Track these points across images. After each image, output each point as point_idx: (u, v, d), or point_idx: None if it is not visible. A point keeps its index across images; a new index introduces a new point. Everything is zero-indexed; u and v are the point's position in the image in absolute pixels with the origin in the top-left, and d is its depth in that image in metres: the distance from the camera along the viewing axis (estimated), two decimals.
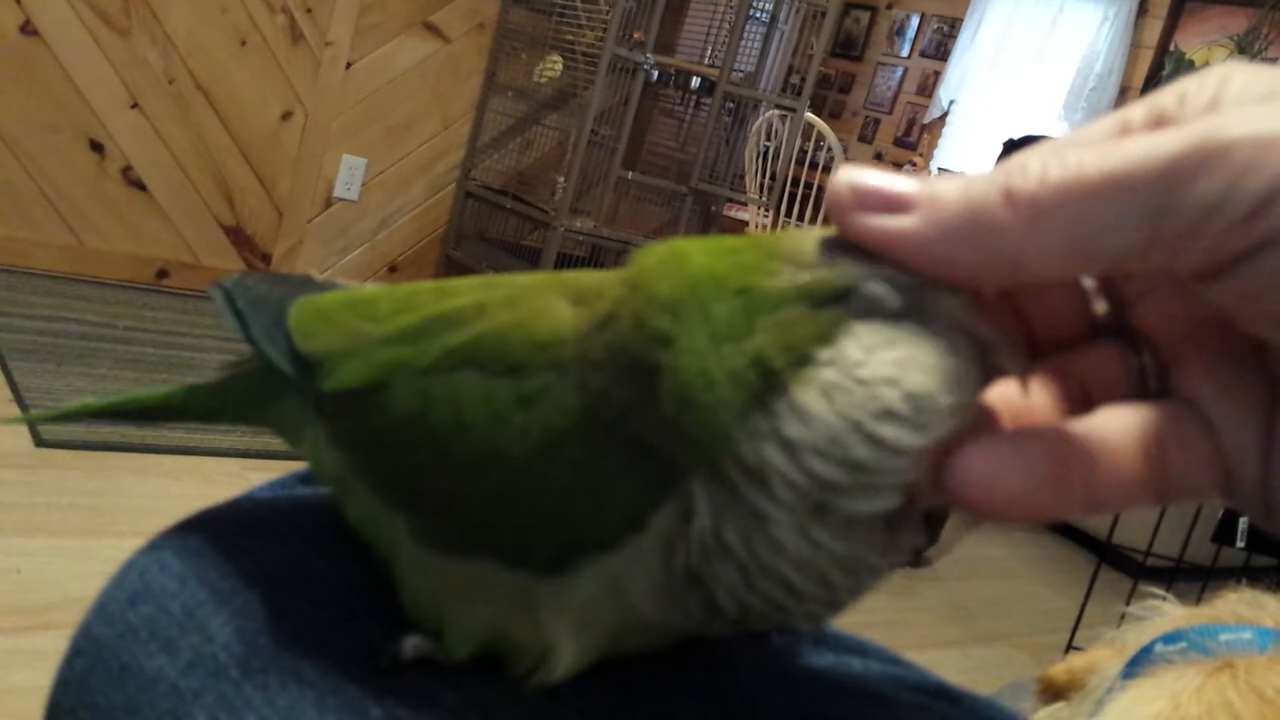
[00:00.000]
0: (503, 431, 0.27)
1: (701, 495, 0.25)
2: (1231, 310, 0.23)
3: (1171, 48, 4.60)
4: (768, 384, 0.24)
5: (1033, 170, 0.22)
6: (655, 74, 3.08)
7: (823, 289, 0.24)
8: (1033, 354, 0.27)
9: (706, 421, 0.24)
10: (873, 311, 0.24)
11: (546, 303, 0.28)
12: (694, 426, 0.24)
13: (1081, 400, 0.26)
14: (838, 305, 0.24)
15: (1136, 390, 0.26)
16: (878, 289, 0.24)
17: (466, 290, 0.31)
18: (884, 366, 0.24)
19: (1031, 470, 0.23)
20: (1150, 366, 0.26)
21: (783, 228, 3.27)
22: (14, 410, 1.97)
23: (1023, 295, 0.27)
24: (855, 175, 0.24)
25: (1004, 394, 0.26)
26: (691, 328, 0.24)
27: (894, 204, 0.23)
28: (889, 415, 0.23)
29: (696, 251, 0.25)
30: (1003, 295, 0.27)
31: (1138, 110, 0.24)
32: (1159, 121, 0.23)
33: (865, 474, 0.24)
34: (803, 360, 0.24)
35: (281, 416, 0.36)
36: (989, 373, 0.24)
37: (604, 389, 0.26)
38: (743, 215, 4.01)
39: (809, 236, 0.25)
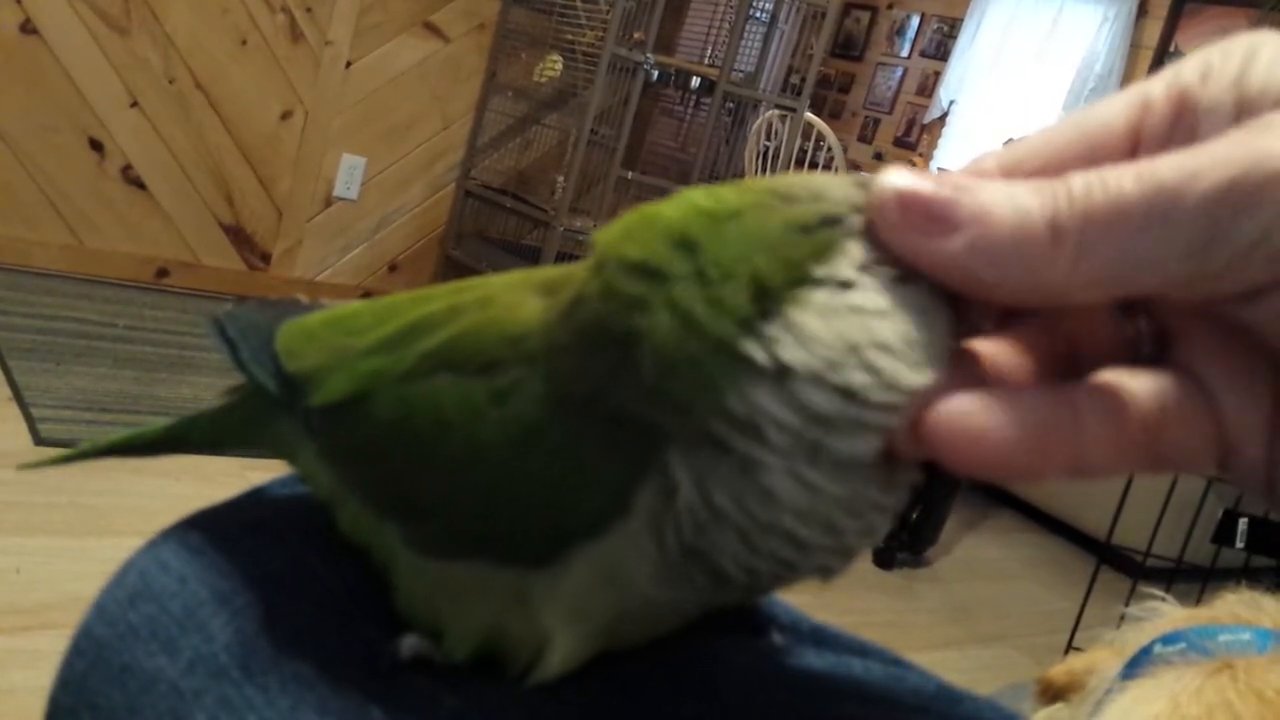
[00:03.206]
0: (480, 429, 0.27)
1: (681, 467, 0.25)
2: (1260, 329, 0.23)
3: (1171, 48, 4.60)
4: (762, 308, 0.23)
5: (1078, 198, 0.22)
6: (655, 74, 3.08)
7: (811, 218, 0.24)
8: (1025, 313, 0.26)
9: (690, 376, 0.24)
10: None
11: (518, 299, 0.29)
12: (677, 386, 0.24)
13: (1070, 363, 0.25)
14: (830, 228, 0.24)
15: (1128, 358, 0.25)
16: (859, 221, 0.24)
17: (442, 295, 0.31)
18: (876, 295, 0.24)
19: (1014, 425, 0.22)
20: (1145, 335, 0.25)
21: None
22: (14, 410, 1.97)
23: None
24: (901, 182, 0.23)
25: (988, 351, 0.25)
26: (672, 277, 0.24)
27: (941, 220, 0.23)
28: (883, 346, 0.23)
29: (674, 206, 0.25)
30: None
31: (1158, 85, 0.24)
32: (1181, 99, 0.23)
33: (857, 407, 0.23)
34: (799, 279, 0.24)
35: (277, 438, 0.36)
36: (963, 325, 0.24)
37: (574, 371, 0.26)
38: None
39: (794, 177, 0.25)
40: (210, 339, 0.37)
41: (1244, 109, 0.22)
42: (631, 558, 0.26)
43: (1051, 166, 0.24)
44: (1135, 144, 0.24)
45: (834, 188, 0.25)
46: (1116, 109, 0.24)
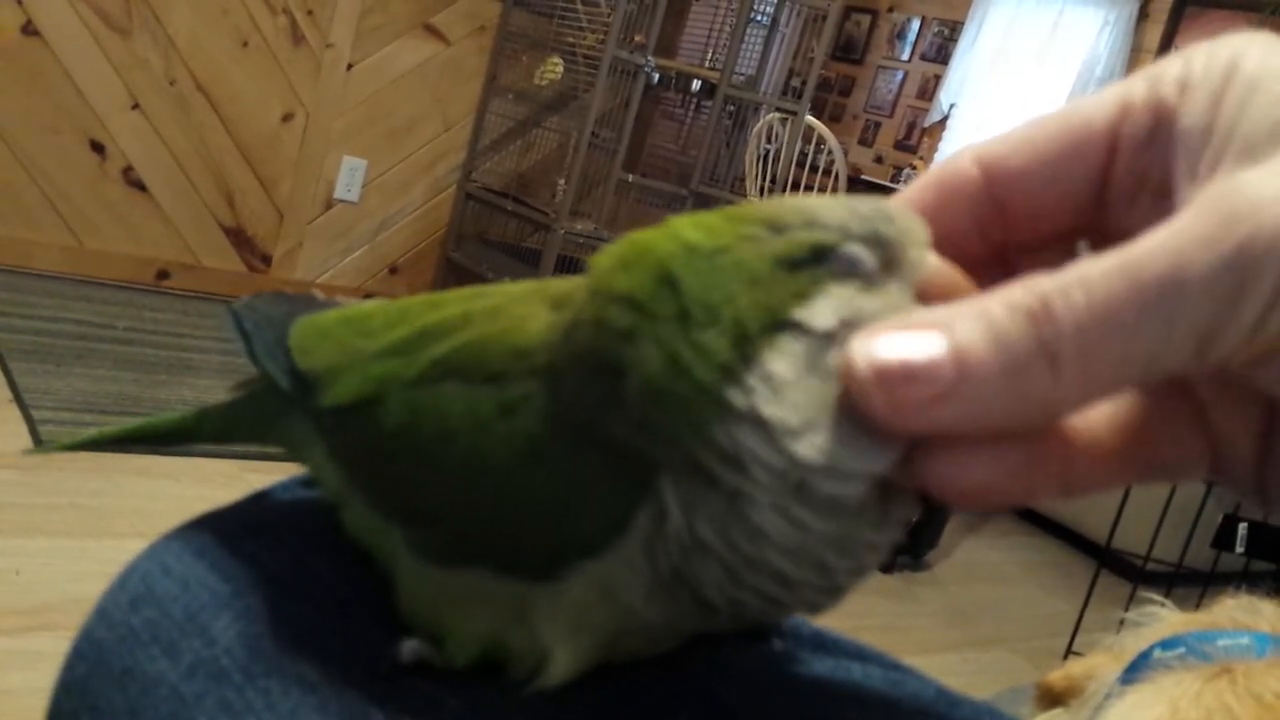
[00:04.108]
0: (486, 440, 0.27)
1: (671, 493, 0.25)
2: (1263, 388, 0.23)
3: (1172, 51, 4.61)
4: (741, 352, 0.23)
5: (1061, 314, 0.21)
6: (656, 76, 3.08)
7: (799, 251, 0.24)
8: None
9: (677, 411, 0.24)
10: (851, 272, 0.24)
11: (528, 310, 0.29)
12: (664, 419, 0.24)
13: None
14: (816, 265, 0.24)
15: None
16: (855, 250, 0.24)
17: (455, 301, 0.31)
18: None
19: (1001, 458, 0.22)
20: None
21: None
22: (14, 411, 1.97)
23: (1013, 263, 0.27)
24: (872, 350, 0.22)
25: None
26: (656, 316, 0.24)
27: (919, 380, 0.21)
28: (856, 420, 0.23)
29: (662, 238, 0.25)
30: (991, 259, 0.26)
31: (1139, 88, 0.24)
32: (1159, 111, 0.23)
33: (838, 463, 0.23)
34: (776, 324, 0.23)
35: (288, 434, 0.36)
36: None
37: (570, 394, 0.26)
38: None
39: (789, 201, 0.25)
40: (223, 331, 0.37)
41: (1215, 135, 0.22)
42: (628, 578, 0.26)
43: (1032, 167, 0.25)
44: (1113, 146, 0.24)
45: (828, 212, 0.25)
46: (1098, 110, 0.24)
